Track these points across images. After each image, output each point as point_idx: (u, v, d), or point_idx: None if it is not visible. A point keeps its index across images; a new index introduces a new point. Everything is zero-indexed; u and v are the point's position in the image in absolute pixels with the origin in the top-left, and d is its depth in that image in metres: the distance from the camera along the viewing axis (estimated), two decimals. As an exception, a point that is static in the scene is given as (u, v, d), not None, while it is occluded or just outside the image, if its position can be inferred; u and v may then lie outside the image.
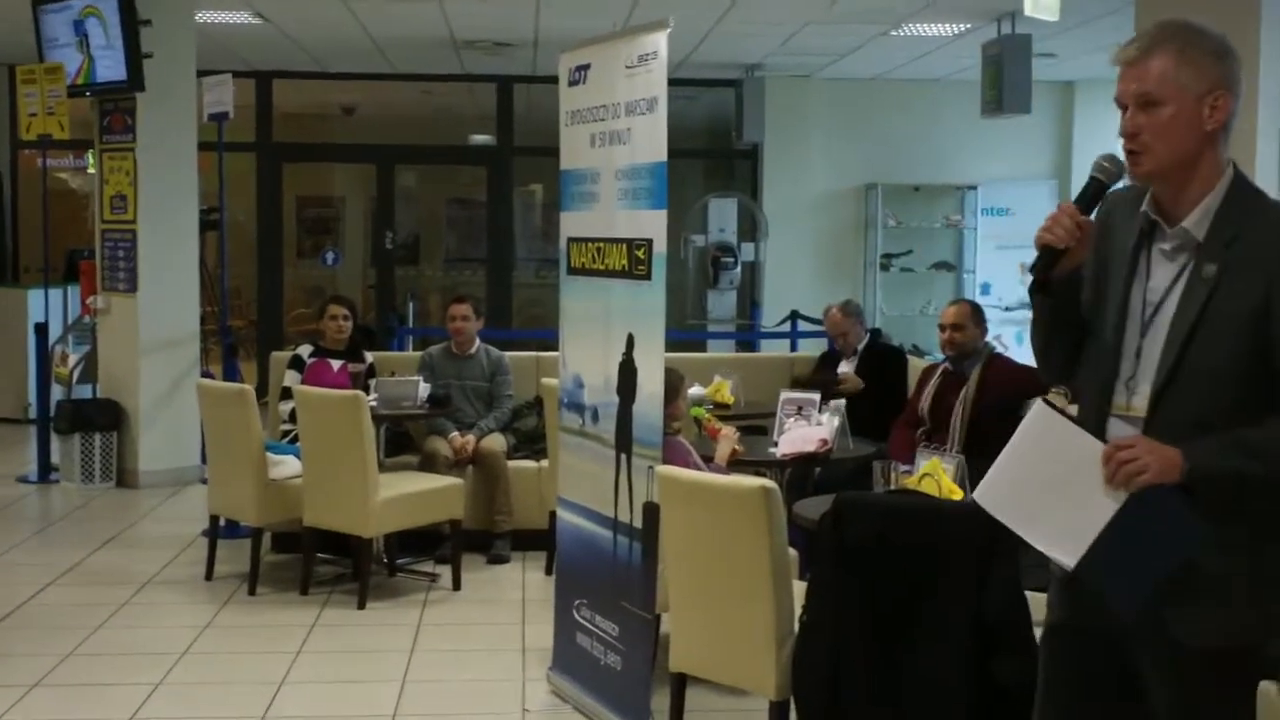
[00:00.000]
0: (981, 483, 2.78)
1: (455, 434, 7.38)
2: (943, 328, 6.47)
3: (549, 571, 6.94)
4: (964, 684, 3.95)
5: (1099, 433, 2.70)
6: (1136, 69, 2.68)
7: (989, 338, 6.85)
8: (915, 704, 4.02)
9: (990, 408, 6.12)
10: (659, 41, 4.69)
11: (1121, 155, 2.76)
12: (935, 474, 4.55)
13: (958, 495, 4.48)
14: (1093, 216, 2.80)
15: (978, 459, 5.05)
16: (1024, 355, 11.57)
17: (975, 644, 3.93)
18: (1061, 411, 2.72)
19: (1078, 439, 2.68)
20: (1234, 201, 2.66)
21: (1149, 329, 2.70)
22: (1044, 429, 2.74)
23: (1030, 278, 2.84)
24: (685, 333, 12.51)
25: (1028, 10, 8.04)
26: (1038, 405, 2.74)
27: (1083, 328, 2.84)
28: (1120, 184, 2.81)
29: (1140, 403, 2.69)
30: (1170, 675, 2.68)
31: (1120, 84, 2.72)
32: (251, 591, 6.66)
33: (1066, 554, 2.66)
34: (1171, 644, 2.65)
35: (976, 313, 6.56)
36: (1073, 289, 2.80)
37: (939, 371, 6.51)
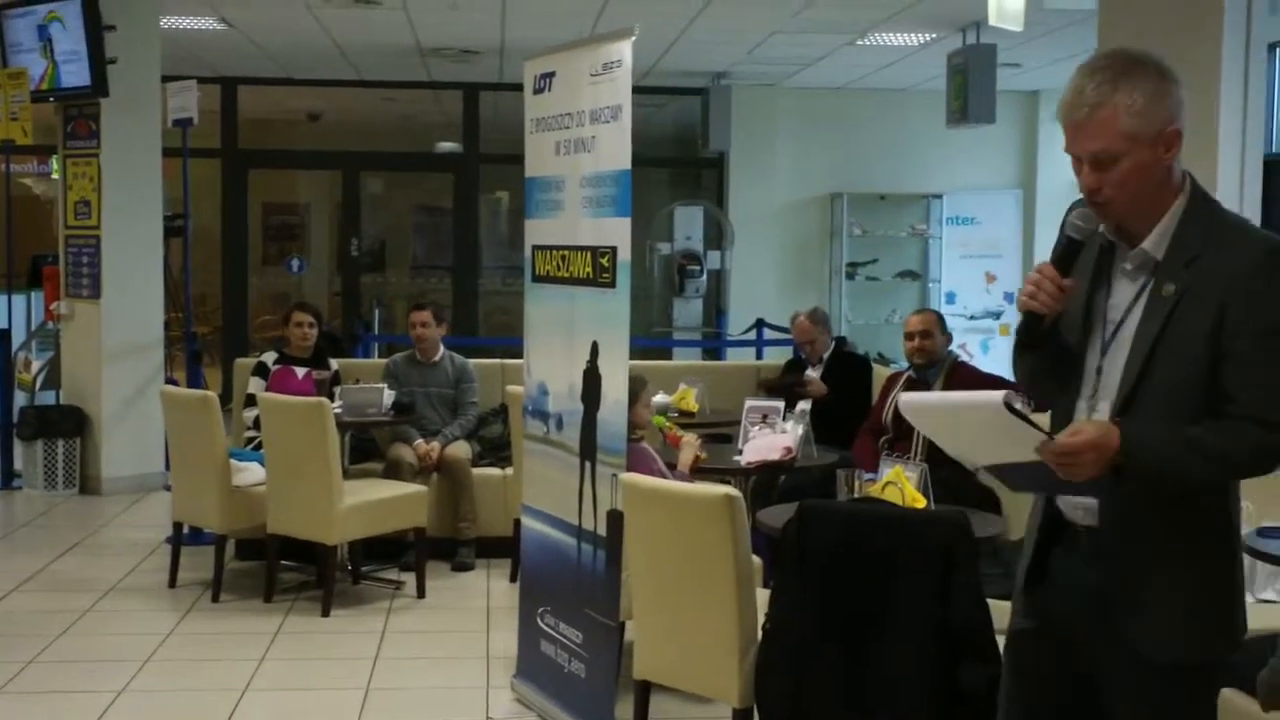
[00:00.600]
0: (916, 398, 2.80)
1: (420, 441, 7.37)
2: (910, 335, 6.50)
3: (514, 579, 6.93)
4: (928, 690, 3.96)
5: None
6: (1087, 130, 2.63)
7: (953, 346, 6.89)
8: (879, 710, 4.03)
9: (954, 416, 6.14)
10: (624, 50, 4.70)
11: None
12: (899, 482, 4.57)
13: (921, 503, 4.51)
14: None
15: (940, 467, 5.10)
16: (988, 364, 11.70)
17: (939, 650, 3.95)
18: (1021, 415, 2.64)
19: (1026, 430, 2.64)
20: (1192, 220, 2.67)
21: (1109, 348, 2.72)
22: (984, 414, 2.67)
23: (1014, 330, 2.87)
24: (651, 340, 12.52)
25: (992, 20, 8.10)
26: (997, 404, 2.61)
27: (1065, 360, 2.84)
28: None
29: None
30: (1132, 688, 2.70)
31: (1071, 143, 2.68)
32: (215, 599, 6.64)
33: (969, 462, 2.76)
34: (1132, 656, 2.67)
35: (941, 321, 6.60)
36: (1055, 338, 2.80)
37: (903, 379, 6.54)
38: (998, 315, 13.14)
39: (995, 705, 3.23)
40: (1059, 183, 13.37)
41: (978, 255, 13.17)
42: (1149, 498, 2.64)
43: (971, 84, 10.04)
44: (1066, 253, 2.74)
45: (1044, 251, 13.82)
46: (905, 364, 6.79)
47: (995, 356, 12.50)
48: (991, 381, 6.50)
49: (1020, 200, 13.39)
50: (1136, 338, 2.67)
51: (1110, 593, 2.68)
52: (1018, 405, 2.61)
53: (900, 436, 6.21)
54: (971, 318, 12.86)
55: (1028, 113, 13.45)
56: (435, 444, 7.38)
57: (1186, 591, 2.66)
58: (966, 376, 6.43)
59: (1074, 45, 10.41)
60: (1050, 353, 2.79)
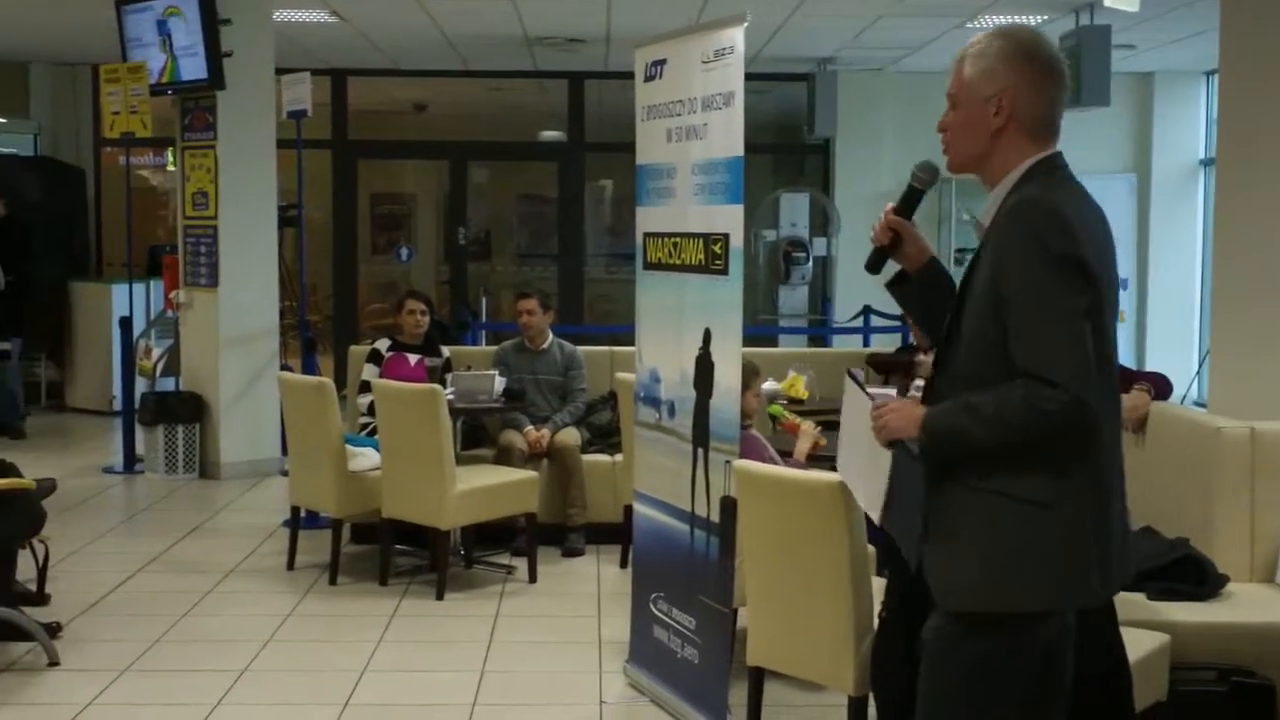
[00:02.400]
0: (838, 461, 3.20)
1: (530, 428, 7.44)
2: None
3: (623, 565, 6.99)
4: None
5: None
6: (952, 70, 2.94)
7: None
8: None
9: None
10: (736, 36, 4.70)
11: (937, 161, 3.08)
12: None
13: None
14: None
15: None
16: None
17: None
18: (857, 381, 3.14)
19: (865, 402, 3.01)
20: (1017, 191, 2.82)
21: None
22: (848, 397, 3.20)
23: None
24: (757, 328, 12.50)
25: (1108, 2, 7.97)
26: (846, 379, 3.17)
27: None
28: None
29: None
30: (929, 630, 2.86)
31: None
32: (332, 581, 6.77)
33: (874, 511, 3.01)
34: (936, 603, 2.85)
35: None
36: (918, 288, 3.14)
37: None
38: (1113, 301, 12.93)
39: (1112, 694, 3.23)
40: (1174, 167, 13.15)
41: (1090, 241, 13.00)
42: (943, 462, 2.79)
43: (1085, 66, 9.86)
44: (905, 197, 3.10)
45: (1159, 237, 13.58)
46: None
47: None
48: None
49: (1134, 185, 13.15)
50: (956, 294, 2.88)
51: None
52: (859, 376, 3.15)
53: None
54: (1085, 304, 12.68)
55: (1141, 95, 13.21)
56: (545, 431, 7.44)
57: (962, 539, 2.77)
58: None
59: (1189, 26, 10.23)
60: (916, 298, 3.16)
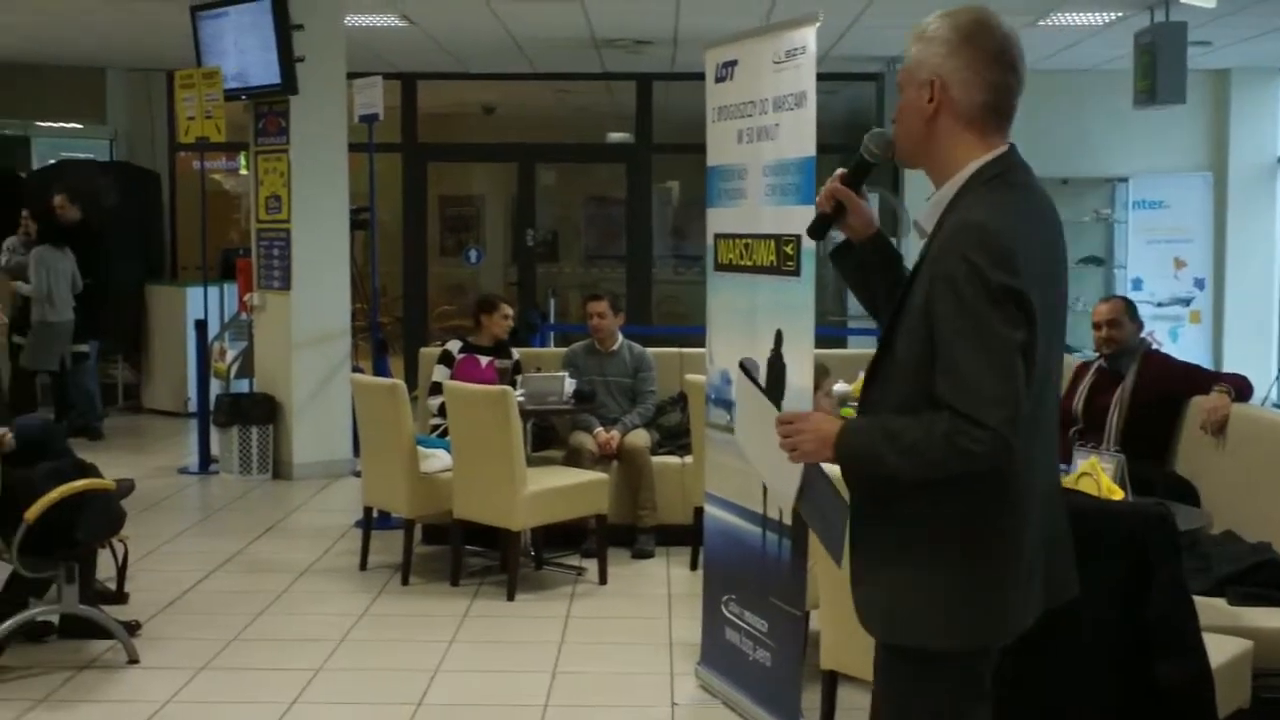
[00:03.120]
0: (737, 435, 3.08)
1: (600, 429, 7.45)
2: (1098, 325, 6.35)
3: (693, 567, 6.99)
4: (1118, 687, 3.89)
5: None
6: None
7: (1143, 333, 6.71)
8: (1069, 707, 3.97)
9: (1148, 405, 6.01)
10: (808, 36, 4.68)
11: (890, 132, 2.86)
12: (1094, 473, 4.49)
13: (1118, 495, 4.42)
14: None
15: (1135, 458, 5.00)
16: (1179, 351, 11.37)
17: (1134, 645, 3.87)
18: (751, 376, 3.13)
19: (765, 404, 2.99)
20: (960, 203, 2.65)
21: None
22: (740, 385, 3.22)
23: None
24: (826, 329, 12.43)
25: (1184, -3, 7.85)
26: (737, 369, 3.11)
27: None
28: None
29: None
30: (878, 657, 2.78)
31: None
32: (404, 582, 6.81)
33: (785, 500, 3.02)
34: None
35: (1130, 309, 6.44)
36: (859, 261, 3.00)
37: (1093, 369, 6.40)
38: (1187, 302, 12.75)
39: (1196, 701, 3.17)
40: (1252, 164, 12.94)
41: (1165, 240, 12.78)
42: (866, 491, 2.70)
43: (1160, 63, 9.72)
44: (854, 167, 2.92)
45: (1237, 236, 13.34)
46: (1092, 353, 6.64)
47: (1184, 344, 12.14)
48: (1187, 370, 6.33)
49: (1210, 183, 12.96)
50: (893, 308, 2.72)
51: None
52: (749, 369, 2.91)
53: (1091, 427, 6.09)
54: (1159, 305, 12.50)
55: (1218, 92, 13.01)
56: (615, 432, 7.45)
57: (890, 577, 2.67)
58: (1159, 366, 6.27)
59: (1267, 22, 10.07)
60: (856, 271, 3.03)
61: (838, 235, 3.06)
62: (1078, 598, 3.89)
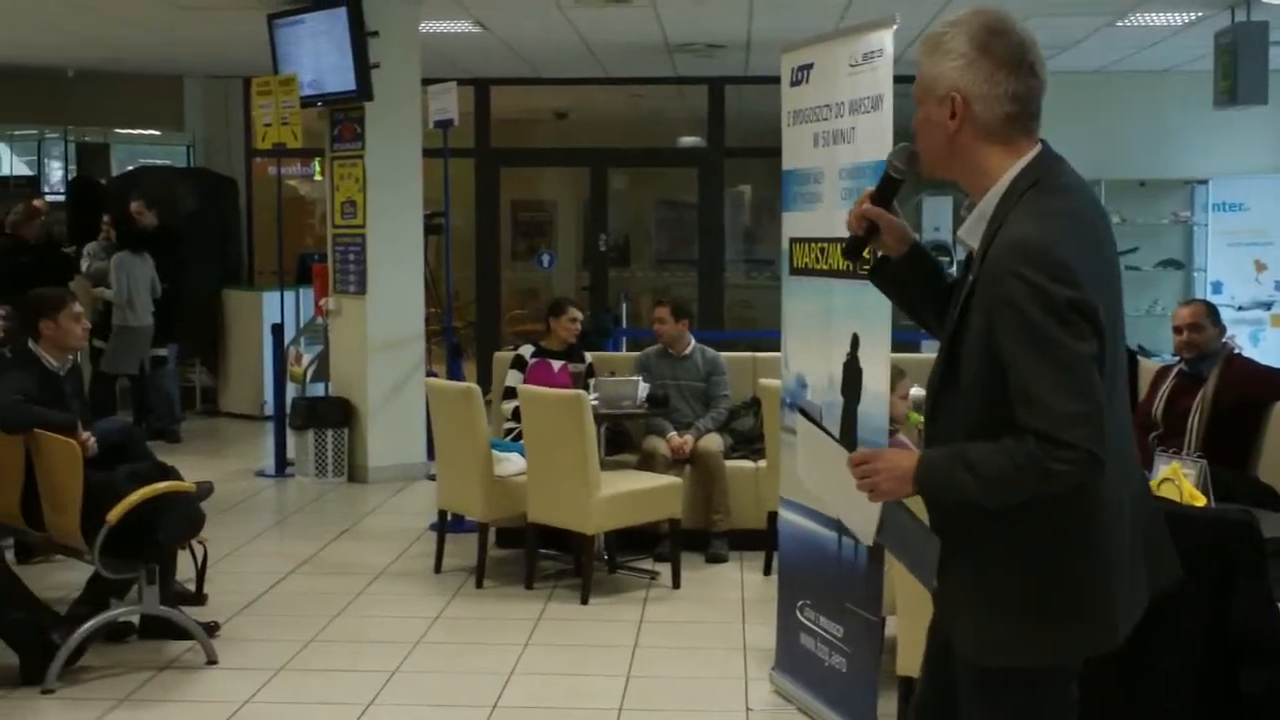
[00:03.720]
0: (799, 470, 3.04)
1: (673, 434, 7.45)
2: (1178, 329, 6.27)
3: (767, 572, 6.97)
4: (1198, 696, 3.83)
5: None
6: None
7: (1225, 337, 6.62)
8: (1149, 713, 3.91)
9: (1230, 410, 5.92)
10: (885, 39, 4.66)
11: (915, 146, 2.81)
12: (1176, 479, 4.42)
13: (1200, 501, 4.35)
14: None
15: (1217, 463, 4.92)
16: (1260, 355, 11.18)
17: (1216, 654, 3.81)
18: (812, 419, 3.02)
19: (833, 447, 2.90)
20: (1004, 204, 2.59)
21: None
22: (805, 433, 3.09)
23: None
24: (901, 333, 12.32)
25: (1265, -3, 7.73)
26: (799, 415, 3.08)
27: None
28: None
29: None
30: (964, 683, 2.71)
31: None
32: (479, 585, 6.84)
33: (864, 535, 2.93)
34: (960, 652, 2.70)
35: (1212, 312, 6.35)
36: (899, 276, 2.94)
37: (1173, 373, 6.31)
38: (1269, 305, 12.53)
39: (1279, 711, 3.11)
40: (1336, 166, 12.72)
41: (1246, 243, 12.58)
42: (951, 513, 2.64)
43: (1241, 63, 9.58)
44: (881, 184, 2.89)
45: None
46: (1172, 357, 6.55)
47: (1265, 348, 11.92)
48: (1269, 374, 6.23)
49: (1292, 186, 12.76)
50: (949, 328, 2.64)
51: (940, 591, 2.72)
52: (808, 410, 2.87)
53: (1172, 432, 6.01)
54: (1240, 308, 12.30)
55: (1301, 93, 12.80)
56: (688, 437, 7.44)
57: (982, 597, 2.61)
58: (1241, 370, 6.18)
59: (1352, 20, 9.88)
60: (898, 286, 2.97)
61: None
62: (1160, 606, 3.86)
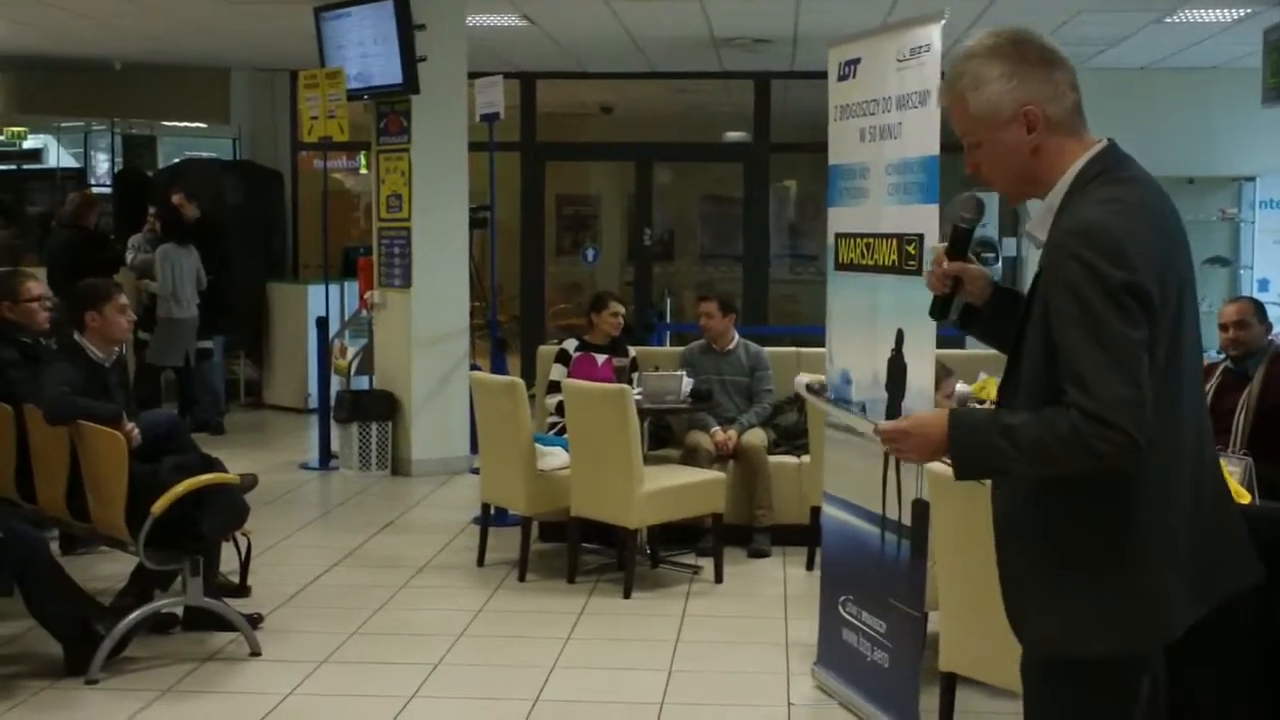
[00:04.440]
0: None
1: (717, 429, 7.44)
2: (1224, 326, 6.21)
3: (809, 567, 6.96)
4: (1243, 702, 3.80)
5: None
6: (950, 116, 2.76)
7: (1272, 334, 6.55)
8: (1200, 714, 3.88)
9: (1276, 407, 5.86)
10: (933, 34, 4.64)
11: (980, 194, 2.96)
12: (1222, 476, 4.37)
13: (1245, 499, 4.31)
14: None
15: (1262, 461, 4.87)
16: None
17: (1258, 661, 3.78)
18: (818, 395, 3.24)
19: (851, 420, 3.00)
20: (1070, 197, 2.64)
21: None
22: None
23: None
24: (946, 329, 12.27)
25: (1316, -8, 7.64)
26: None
27: None
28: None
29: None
30: (1024, 669, 2.76)
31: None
32: (521, 578, 6.86)
33: None
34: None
35: (1259, 309, 6.29)
36: (991, 321, 2.96)
37: (1218, 371, 6.26)
38: (1315, 303, 12.42)
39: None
40: (1383, 163, 12.58)
41: (1294, 241, 12.50)
42: (1007, 493, 2.70)
43: (1290, 60, 9.50)
44: (954, 239, 2.93)
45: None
46: (1218, 354, 6.50)
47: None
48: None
49: (1341, 184, 12.62)
50: (1020, 319, 2.71)
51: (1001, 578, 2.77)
52: (814, 386, 3.12)
53: (1217, 429, 5.95)
54: (1287, 306, 12.20)
55: (1351, 89, 12.64)
56: (732, 432, 7.44)
57: (1042, 588, 2.64)
58: (1289, 367, 6.11)
59: (1406, 15, 9.75)
60: (992, 331, 2.96)
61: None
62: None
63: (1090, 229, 2.51)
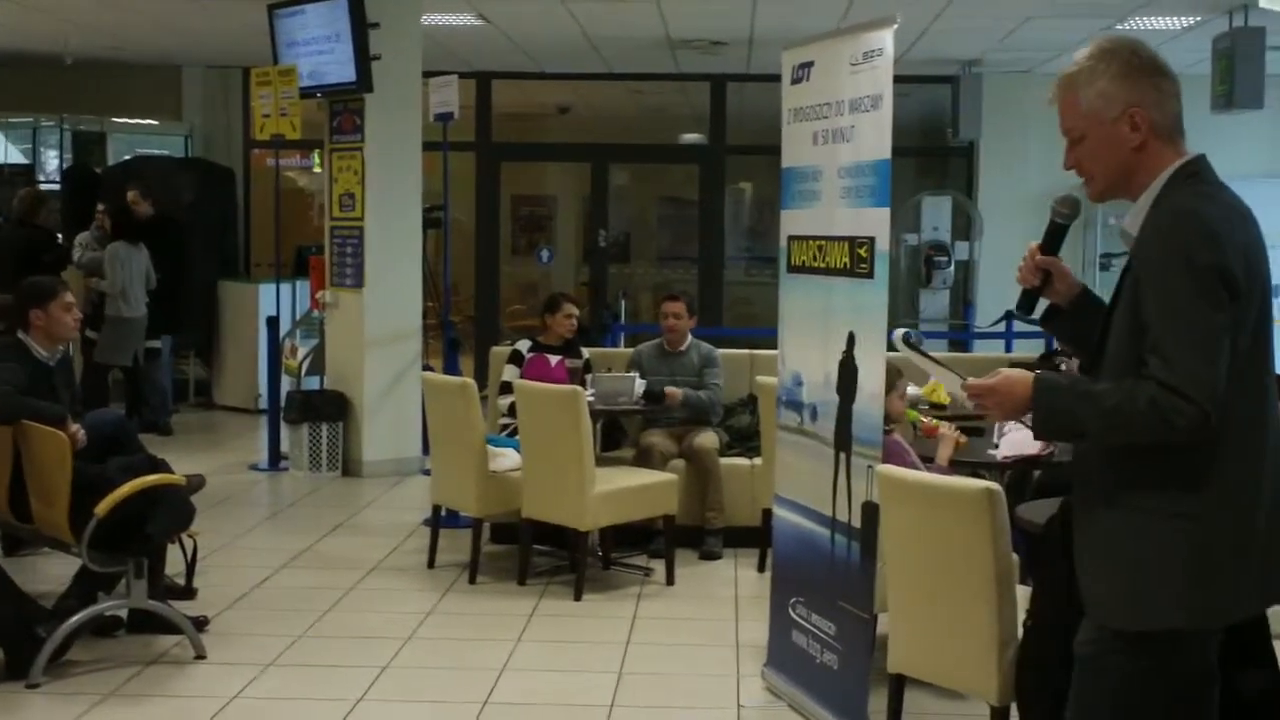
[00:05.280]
0: None
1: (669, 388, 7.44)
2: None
3: (761, 569, 6.96)
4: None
5: None
6: (1059, 110, 2.91)
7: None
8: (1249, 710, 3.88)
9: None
10: (885, 39, 4.64)
11: (1075, 193, 3.06)
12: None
13: None
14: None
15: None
16: None
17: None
18: (918, 350, 3.30)
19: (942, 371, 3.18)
20: (1164, 196, 2.79)
21: None
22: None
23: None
24: (952, 333, 12.43)
25: (1263, 2, 7.73)
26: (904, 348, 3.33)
27: None
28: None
29: None
30: (1080, 643, 2.87)
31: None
32: (472, 580, 6.82)
33: None
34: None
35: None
36: (1073, 322, 3.08)
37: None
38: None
39: (1274, 713, 3.13)
40: (1330, 171, 12.71)
41: (1243, 245, 12.62)
42: (1084, 460, 2.86)
43: (1238, 68, 9.61)
44: (1049, 234, 3.08)
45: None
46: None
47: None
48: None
49: (1290, 189, 12.72)
50: (1107, 311, 2.89)
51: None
52: (913, 340, 3.27)
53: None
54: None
55: (1298, 97, 12.77)
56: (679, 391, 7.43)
57: (1108, 555, 2.77)
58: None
59: (1353, 24, 9.86)
60: (1072, 332, 3.08)
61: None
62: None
63: (1185, 213, 2.70)
